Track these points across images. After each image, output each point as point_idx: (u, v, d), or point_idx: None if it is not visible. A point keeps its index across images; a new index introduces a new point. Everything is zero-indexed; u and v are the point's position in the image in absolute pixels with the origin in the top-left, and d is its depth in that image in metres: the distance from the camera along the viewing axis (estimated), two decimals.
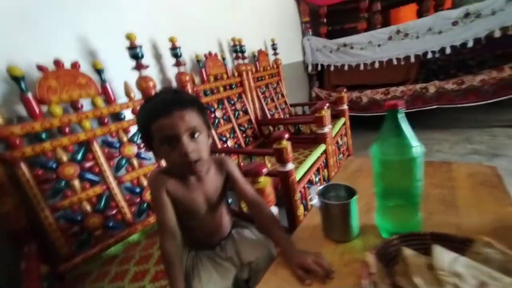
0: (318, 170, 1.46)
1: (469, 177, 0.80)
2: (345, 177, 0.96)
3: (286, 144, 1.03)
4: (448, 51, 2.11)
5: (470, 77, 2.13)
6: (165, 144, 0.58)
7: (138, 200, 1.03)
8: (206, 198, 0.70)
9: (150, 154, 1.08)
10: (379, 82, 2.70)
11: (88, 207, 0.91)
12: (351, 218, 0.60)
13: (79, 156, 0.91)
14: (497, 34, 1.95)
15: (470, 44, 2.04)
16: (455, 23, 2.06)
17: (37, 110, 0.84)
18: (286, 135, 1.05)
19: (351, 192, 0.63)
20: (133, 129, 1.06)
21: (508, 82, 1.99)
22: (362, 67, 2.56)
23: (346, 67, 2.67)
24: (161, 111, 0.57)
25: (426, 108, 2.37)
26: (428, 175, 0.83)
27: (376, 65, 2.48)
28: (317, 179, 1.45)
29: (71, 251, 0.86)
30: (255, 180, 0.79)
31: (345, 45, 2.64)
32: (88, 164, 0.92)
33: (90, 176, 0.92)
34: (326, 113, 1.52)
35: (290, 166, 1.03)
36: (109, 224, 0.95)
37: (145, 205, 1.05)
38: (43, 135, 0.85)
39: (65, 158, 0.88)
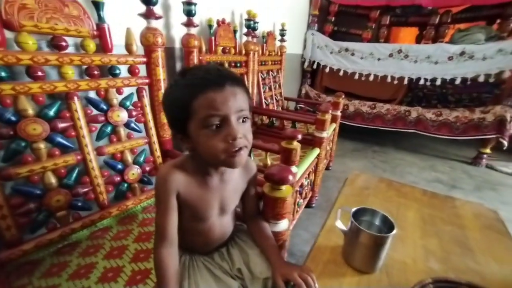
0: (308, 174, 1.42)
1: (475, 218, 0.84)
2: (354, 194, 0.93)
3: (297, 145, 0.97)
4: (438, 82, 2.22)
5: (447, 111, 2.29)
6: (208, 127, 0.47)
7: (118, 179, 0.83)
8: (222, 202, 0.59)
9: (141, 126, 0.88)
10: (367, 95, 2.75)
11: (53, 180, 0.69)
12: (383, 251, 0.58)
13: (51, 112, 0.67)
14: (481, 78, 2.10)
15: (458, 81, 2.17)
16: (450, 58, 2.16)
17: None
18: (299, 136, 0.97)
19: (385, 221, 0.63)
20: (127, 91, 0.84)
21: (476, 124, 2.19)
22: (357, 76, 2.56)
23: (341, 72, 2.65)
24: (212, 83, 0.46)
25: (404, 130, 2.51)
26: (436, 207, 0.86)
27: (371, 77, 2.50)
28: (306, 182, 1.41)
29: (20, 235, 0.65)
30: (276, 187, 0.67)
31: (347, 50, 2.60)
32: (62, 125, 0.69)
33: (62, 140, 0.70)
34: (329, 117, 1.48)
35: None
36: (77, 204, 0.75)
37: (125, 186, 0.86)
38: (2, 73, 0.60)
39: (31, 111, 0.64)
